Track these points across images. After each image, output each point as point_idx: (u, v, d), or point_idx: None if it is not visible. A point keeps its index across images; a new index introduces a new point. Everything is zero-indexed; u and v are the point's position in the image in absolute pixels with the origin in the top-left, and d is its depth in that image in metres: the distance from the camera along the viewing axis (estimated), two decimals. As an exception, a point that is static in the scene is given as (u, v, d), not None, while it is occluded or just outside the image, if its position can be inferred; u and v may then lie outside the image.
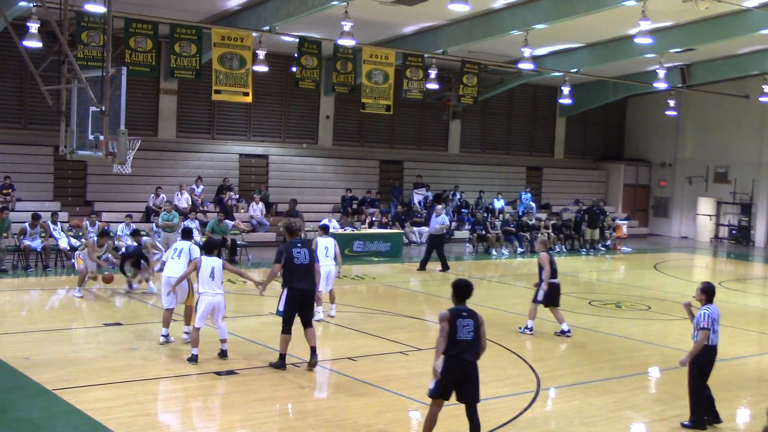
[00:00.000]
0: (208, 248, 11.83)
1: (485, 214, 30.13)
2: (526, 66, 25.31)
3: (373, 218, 28.30)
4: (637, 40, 21.70)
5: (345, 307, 16.34)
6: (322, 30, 24.69)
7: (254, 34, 23.56)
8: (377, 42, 26.98)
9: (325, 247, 15.03)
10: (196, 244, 13.07)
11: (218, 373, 11.07)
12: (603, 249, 30.59)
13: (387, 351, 13.14)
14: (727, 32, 24.62)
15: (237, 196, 27.97)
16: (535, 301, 14.54)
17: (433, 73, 27.11)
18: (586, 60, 29.52)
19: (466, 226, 30.42)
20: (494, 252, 28.01)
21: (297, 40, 24.64)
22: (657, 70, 28.67)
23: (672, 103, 35.03)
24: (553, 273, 14.35)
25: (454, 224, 30.47)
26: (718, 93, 35.28)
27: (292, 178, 30.13)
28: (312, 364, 11.41)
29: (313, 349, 11.44)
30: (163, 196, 25.34)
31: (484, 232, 28.25)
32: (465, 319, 8.11)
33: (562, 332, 14.62)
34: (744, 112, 35.83)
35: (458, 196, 32.16)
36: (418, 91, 27.55)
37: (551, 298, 14.42)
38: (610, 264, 28.27)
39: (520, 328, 14.89)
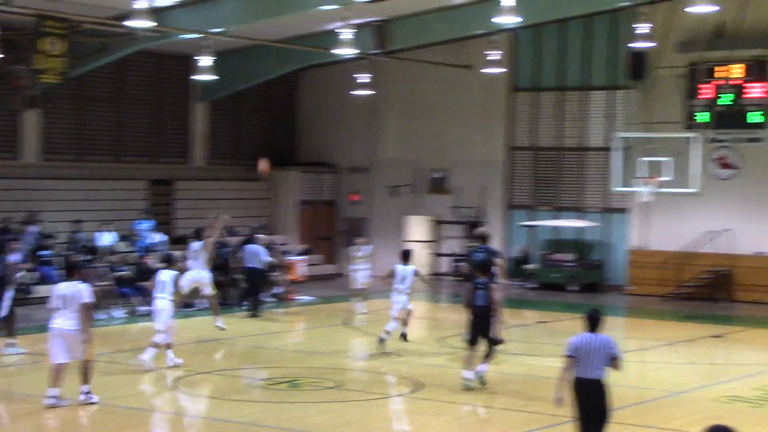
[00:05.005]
0: (405, 257, 23.42)
1: (86, 257, 29.91)
2: (142, 24, 25.47)
3: None
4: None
5: None
6: None
7: None
8: None
9: None
10: None
11: None
12: (270, 300, 31.42)
13: None
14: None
15: None
16: None
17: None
18: (234, 14, 30.34)
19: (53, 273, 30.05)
20: (102, 314, 27.87)
21: None
22: (340, 30, 29.77)
23: (364, 78, 36.55)
24: None
25: (27, 275, 29.94)
26: (430, 62, 37.67)
27: None
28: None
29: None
30: None
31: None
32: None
33: None
34: (467, 89, 38.64)
35: (35, 229, 31.59)
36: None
37: None
38: (281, 322, 29.28)
39: None
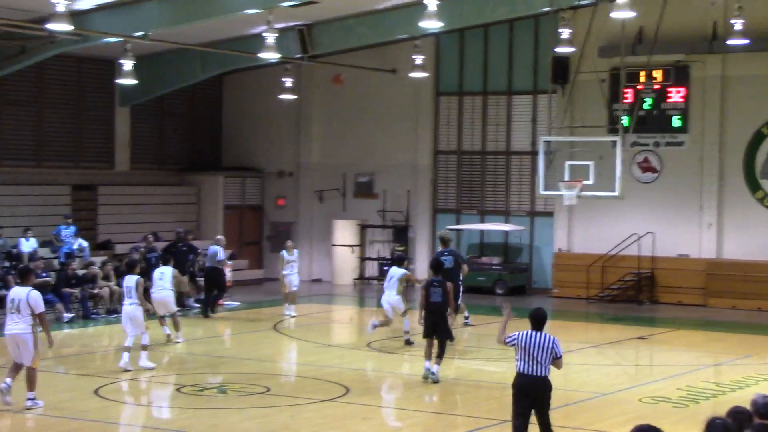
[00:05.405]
0: (396, 261, 25.44)
1: (6, 264, 29.63)
2: (61, 27, 25.25)
3: None
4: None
5: None
6: None
7: None
8: None
9: None
10: None
11: None
12: (197, 305, 31.33)
13: None
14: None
15: None
16: None
17: None
18: (157, 18, 30.08)
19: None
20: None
21: None
22: (264, 34, 29.78)
23: (288, 82, 36.70)
24: None
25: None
26: (354, 66, 37.75)
27: None
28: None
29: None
30: None
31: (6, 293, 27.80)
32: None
33: None
34: (392, 93, 38.92)
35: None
36: None
37: None
38: (209, 327, 29.18)
39: None
